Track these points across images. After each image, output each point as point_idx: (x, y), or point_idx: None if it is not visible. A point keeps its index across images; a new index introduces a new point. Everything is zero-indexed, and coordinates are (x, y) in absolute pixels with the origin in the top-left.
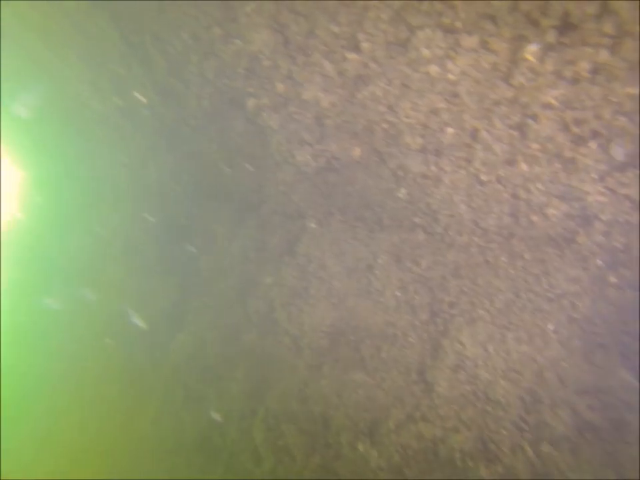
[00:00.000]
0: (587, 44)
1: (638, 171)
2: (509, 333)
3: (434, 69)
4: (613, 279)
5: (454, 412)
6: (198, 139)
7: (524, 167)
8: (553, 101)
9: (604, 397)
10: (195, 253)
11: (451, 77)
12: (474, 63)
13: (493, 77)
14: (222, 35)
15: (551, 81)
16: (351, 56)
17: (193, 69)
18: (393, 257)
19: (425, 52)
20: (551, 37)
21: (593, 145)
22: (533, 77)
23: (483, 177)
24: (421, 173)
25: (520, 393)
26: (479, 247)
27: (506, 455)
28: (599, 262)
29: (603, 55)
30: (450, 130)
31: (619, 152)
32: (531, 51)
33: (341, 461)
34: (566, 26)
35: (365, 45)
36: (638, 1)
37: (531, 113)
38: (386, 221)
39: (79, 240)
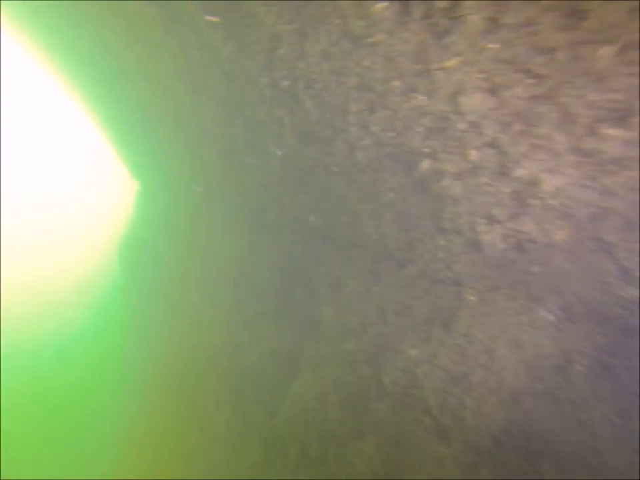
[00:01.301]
0: None
1: None
2: None
3: None
4: None
5: None
6: (336, 184)
7: None
8: None
9: None
10: (315, 300)
11: None
12: None
13: None
14: (401, 89)
15: None
16: (611, 132)
17: (352, 119)
18: (598, 363)
19: None
20: None
21: None
22: None
23: None
24: None
25: None
26: None
27: None
28: None
29: None
30: None
31: None
32: None
33: None
34: None
35: (635, 120)
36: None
37: None
38: (578, 309)
39: (190, 262)
